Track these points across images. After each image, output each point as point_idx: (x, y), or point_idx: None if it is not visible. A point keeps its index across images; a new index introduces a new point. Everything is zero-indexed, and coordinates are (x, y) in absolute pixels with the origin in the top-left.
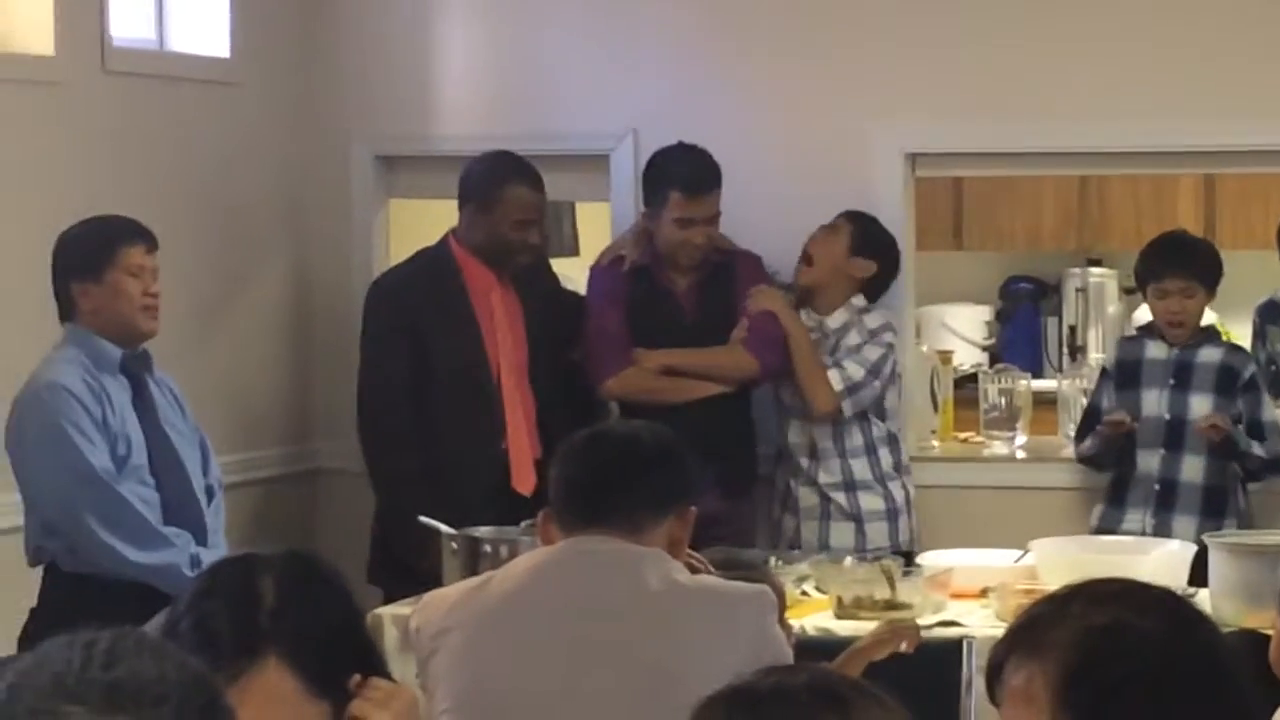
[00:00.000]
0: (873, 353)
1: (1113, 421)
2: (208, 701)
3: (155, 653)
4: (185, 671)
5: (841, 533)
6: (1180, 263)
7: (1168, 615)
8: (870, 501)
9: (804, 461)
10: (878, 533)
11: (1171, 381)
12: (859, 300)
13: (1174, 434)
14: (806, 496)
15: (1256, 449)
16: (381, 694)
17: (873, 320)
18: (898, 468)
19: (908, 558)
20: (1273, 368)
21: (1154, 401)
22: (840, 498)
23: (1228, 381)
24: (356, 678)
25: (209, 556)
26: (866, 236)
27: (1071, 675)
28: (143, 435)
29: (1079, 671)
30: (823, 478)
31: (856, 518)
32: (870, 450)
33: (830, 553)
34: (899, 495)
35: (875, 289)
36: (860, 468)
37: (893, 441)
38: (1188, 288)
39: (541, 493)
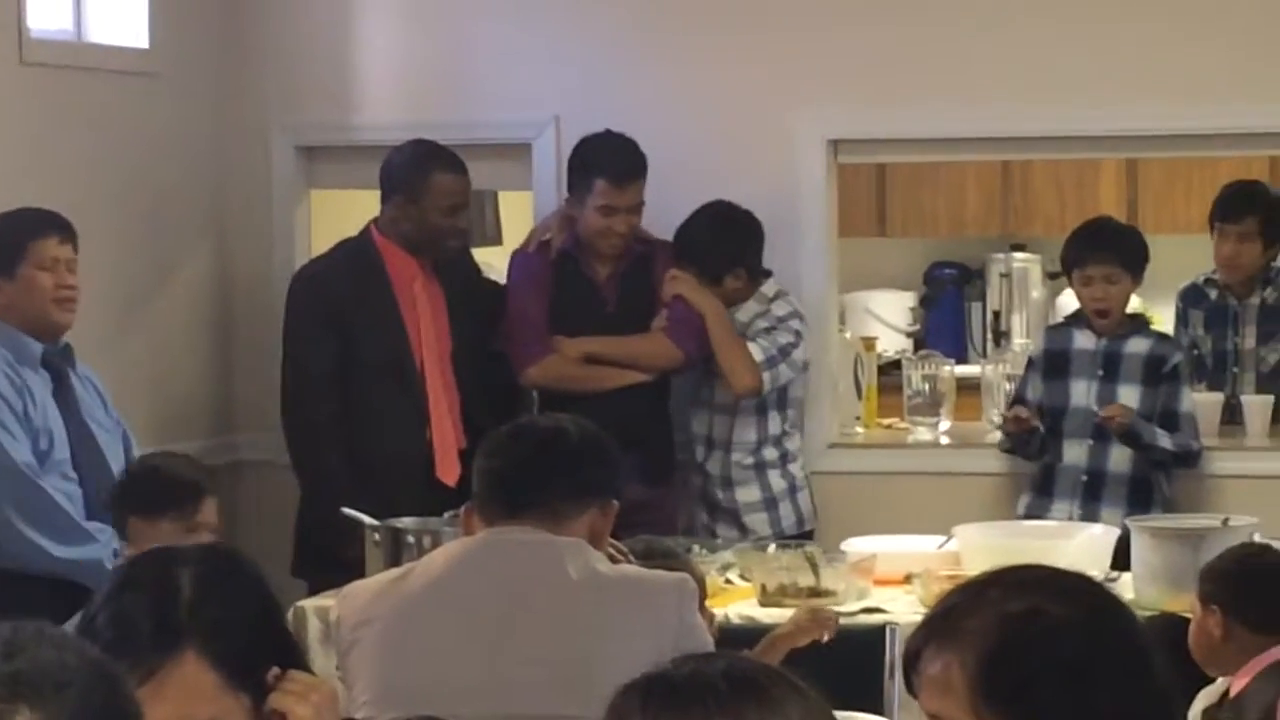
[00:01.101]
0: (782, 337)
1: (1011, 419)
2: (110, 689)
3: (56, 643)
4: (86, 660)
5: (725, 524)
6: (1103, 248)
7: (1084, 601)
8: (745, 494)
9: (699, 451)
10: (757, 522)
11: (1100, 373)
12: (769, 289)
13: (1101, 425)
14: (694, 485)
15: (1164, 441)
16: (301, 686)
17: (780, 309)
18: (783, 458)
19: (802, 541)
20: (1195, 352)
21: (1082, 392)
22: (718, 490)
23: (1155, 371)
24: (275, 670)
25: None
26: (712, 260)
27: (988, 663)
28: (65, 429)
29: (996, 659)
30: (708, 468)
31: (734, 511)
32: (759, 445)
33: (738, 541)
34: (779, 484)
35: (757, 265)
36: (739, 459)
37: (784, 437)
38: (1111, 273)
39: (466, 483)
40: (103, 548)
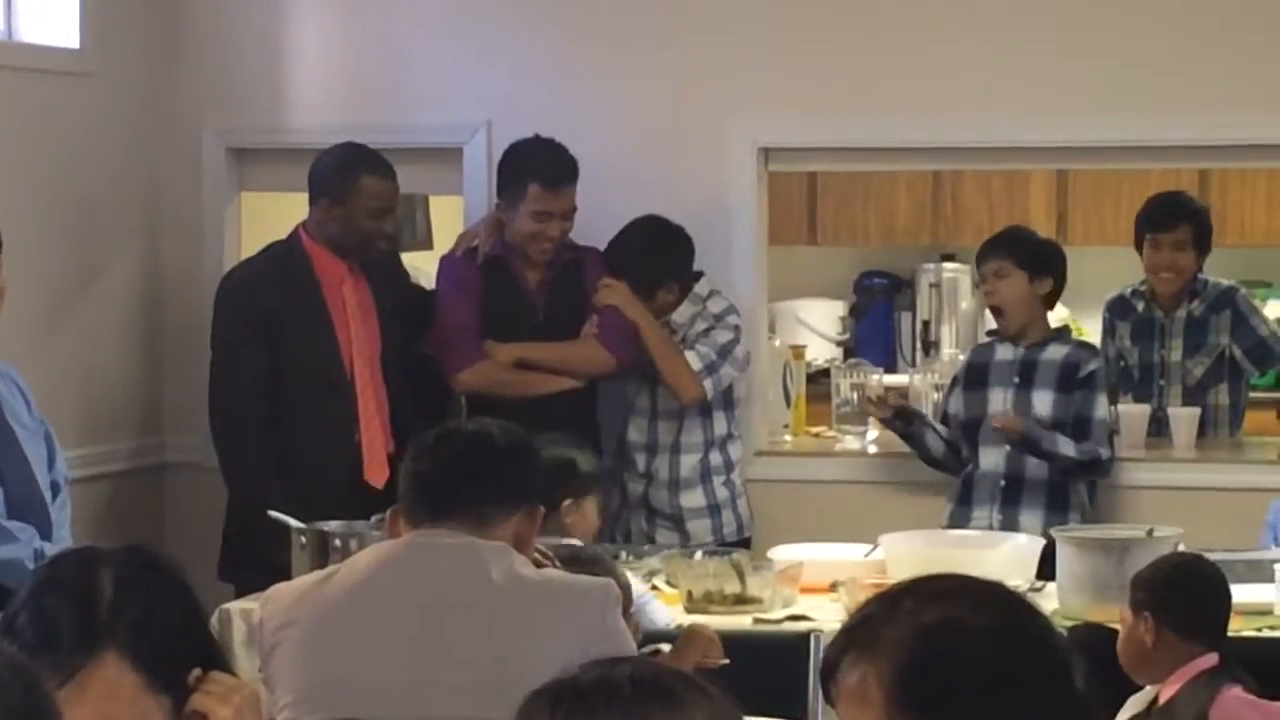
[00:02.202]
0: (721, 336)
1: (874, 402)
2: (27, 690)
3: None
4: (3, 661)
5: (665, 530)
6: (994, 245)
7: (999, 610)
8: (690, 499)
9: (639, 458)
10: (700, 529)
11: (1016, 380)
12: (702, 288)
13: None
14: (634, 492)
15: (1066, 448)
16: (222, 688)
17: (716, 306)
18: (726, 465)
19: (729, 549)
20: (1122, 363)
21: (999, 400)
22: (663, 495)
23: (1069, 378)
24: (197, 672)
25: (54, 551)
26: (644, 275)
27: (904, 674)
28: None
29: (912, 670)
30: (654, 472)
31: (677, 517)
32: (706, 448)
33: (679, 547)
34: (722, 492)
35: (688, 278)
36: (688, 465)
37: (729, 440)
38: (1000, 267)
39: (394, 486)
40: (24, 547)
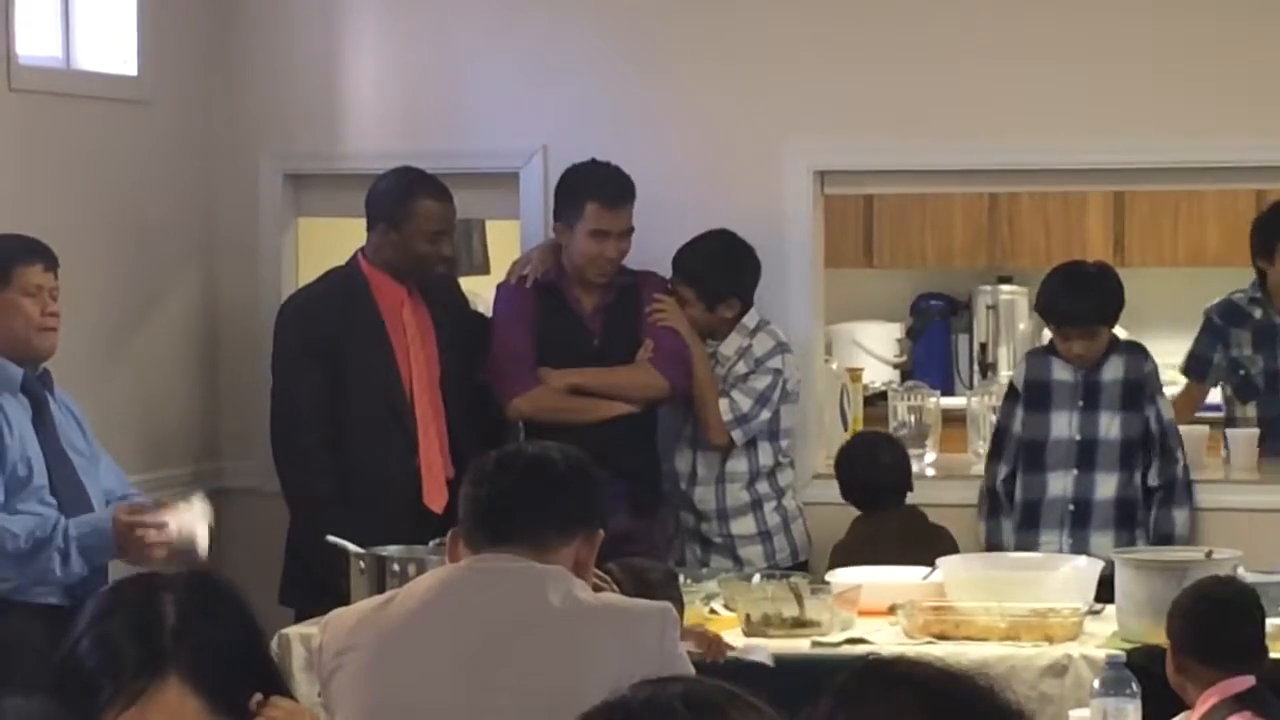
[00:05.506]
0: (760, 381)
1: None
2: None
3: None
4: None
5: (719, 557)
6: (1080, 308)
7: None
8: (741, 526)
9: (684, 485)
10: (752, 554)
11: (1080, 404)
12: (750, 319)
13: (1085, 454)
14: (685, 519)
15: (1166, 524)
16: (283, 713)
17: (760, 346)
18: (777, 492)
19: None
20: (1241, 372)
21: (1064, 424)
22: (712, 525)
23: (1134, 395)
24: (258, 697)
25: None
26: (711, 285)
27: None
28: (43, 456)
29: None
30: (698, 503)
31: (729, 545)
32: (752, 479)
33: (738, 570)
34: (774, 518)
35: (750, 300)
36: (734, 493)
37: (776, 470)
38: (1089, 331)
39: (453, 511)
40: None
